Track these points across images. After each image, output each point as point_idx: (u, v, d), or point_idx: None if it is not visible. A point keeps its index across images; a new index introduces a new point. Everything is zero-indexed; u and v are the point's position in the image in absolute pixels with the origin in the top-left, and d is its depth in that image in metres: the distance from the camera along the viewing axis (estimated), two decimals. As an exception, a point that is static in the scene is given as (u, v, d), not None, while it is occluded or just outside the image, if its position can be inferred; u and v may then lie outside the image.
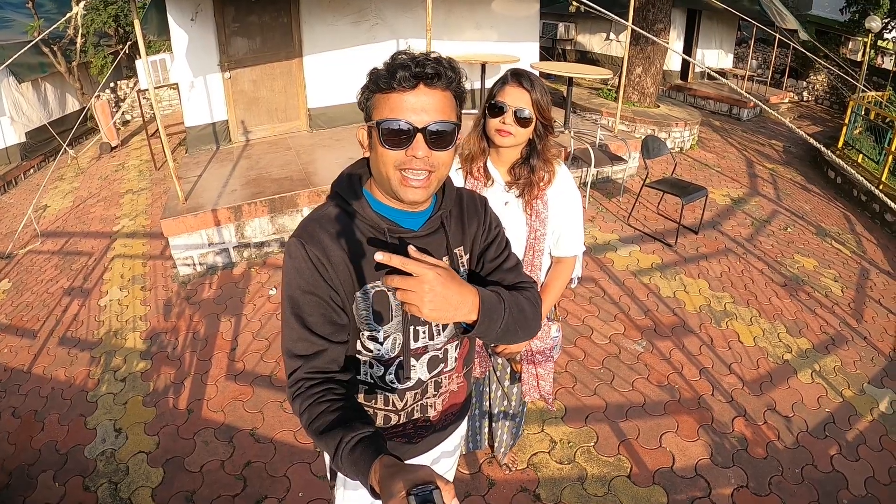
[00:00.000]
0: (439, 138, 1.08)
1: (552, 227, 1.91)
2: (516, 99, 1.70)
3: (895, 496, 2.69)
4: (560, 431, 2.95)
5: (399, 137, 1.07)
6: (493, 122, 1.74)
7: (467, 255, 1.30)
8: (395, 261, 0.94)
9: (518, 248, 1.89)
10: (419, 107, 1.06)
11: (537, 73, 7.89)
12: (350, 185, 1.21)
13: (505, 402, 2.38)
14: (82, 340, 3.91)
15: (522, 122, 1.71)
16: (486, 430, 2.49)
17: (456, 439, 1.57)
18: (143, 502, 2.61)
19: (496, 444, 2.53)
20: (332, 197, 1.22)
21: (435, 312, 0.97)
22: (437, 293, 0.96)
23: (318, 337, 1.12)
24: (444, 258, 1.24)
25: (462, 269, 1.29)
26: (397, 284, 0.95)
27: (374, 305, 1.18)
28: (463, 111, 1.17)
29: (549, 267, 2.05)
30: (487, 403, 2.38)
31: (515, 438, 2.57)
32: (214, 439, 2.94)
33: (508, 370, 2.26)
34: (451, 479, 1.63)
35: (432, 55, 1.08)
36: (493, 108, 1.74)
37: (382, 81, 1.07)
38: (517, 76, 1.72)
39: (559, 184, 1.88)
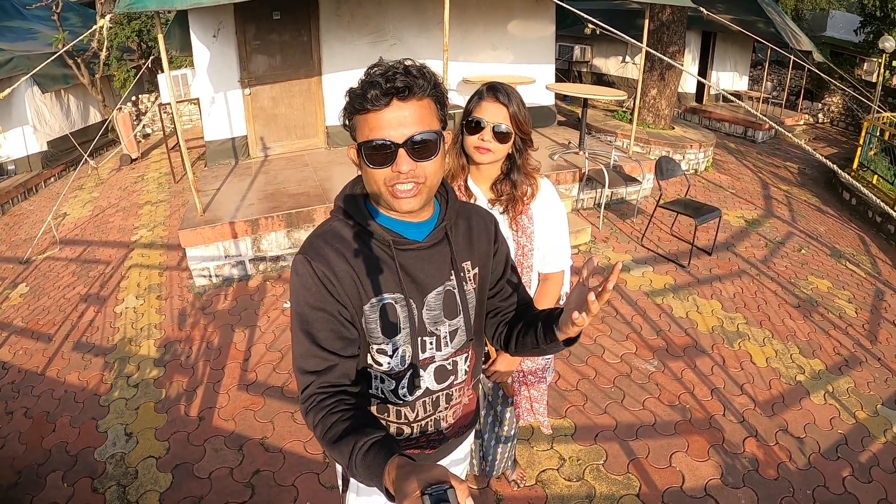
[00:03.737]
0: (422, 149, 1.08)
1: (538, 243, 1.87)
2: (493, 114, 1.66)
3: (909, 520, 2.65)
4: (569, 449, 2.93)
5: (382, 155, 1.07)
6: (472, 139, 1.69)
7: (475, 271, 1.29)
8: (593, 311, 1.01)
9: None
10: (396, 122, 1.05)
11: (552, 94, 7.99)
12: (353, 198, 1.22)
13: (497, 427, 2.34)
14: (97, 346, 3.97)
15: (501, 137, 1.67)
16: (479, 452, 2.48)
17: (466, 448, 1.58)
18: (150, 506, 2.63)
19: (488, 468, 2.50)
20: (336, 211, 1.23)
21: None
22: None
23: (329, 352, 1.12)
24: (451, 272, 1.24)
25: (469, 283, 1.27)
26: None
27: (382, 318, 1.18)
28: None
29: (537, 285, 2.00)
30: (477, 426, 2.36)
31: (510, 460, 2.56)
32: (224, 447, 2.96)
33: (500, 393, 2.23)
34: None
35: (402, 66, 1.06)
36: (471, 125, 1.69)
37: (357, 102, 1.07)
38: (493, 90, 1.68)
39: (543, 197, 1.84)
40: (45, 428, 3.21)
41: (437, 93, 1.11)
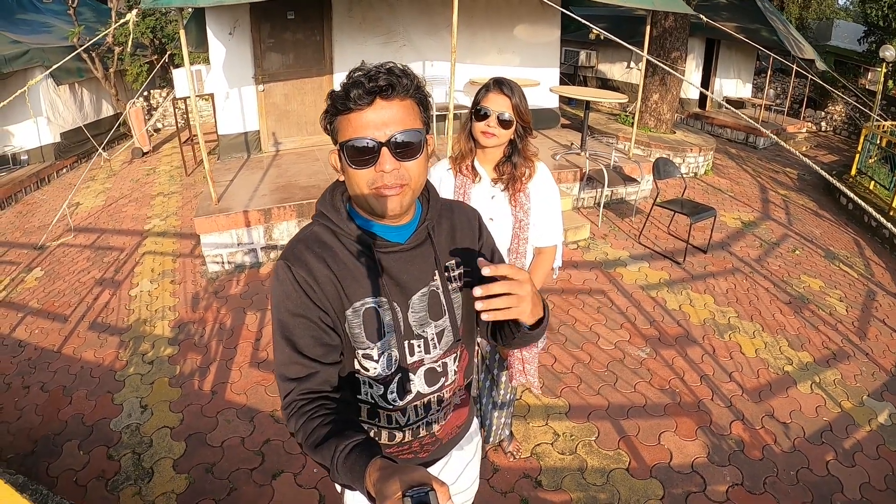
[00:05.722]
0: (406, 148, 1.06)
1: (534, 219, 2.11)
2: (498, 104, 1.90)
3: (890, 502, 2.77)
4: (563, 426, 3.08)
5: (365, 156, 1.05)
6: (479, 126, 1.94)
7: (460, 270, 1.26)
8: (501, 270, 0.96)
9: (505, 237, 2.10)
10: (380, 121, 1.03)
11: (556, 97, 8.15)
12: (333, 202, 1.19)
13: (494, 391, 2.51)
14: (112, 326, 4.13)
15: (504, 124, 1.91)
16: (477, 417, 2.63)
17: (470, 472, 1.54)
18: (164, 472, 2.79)
19: (486, 434, 2.65)
20: (317, 216, 1.20)
21: (530, 310, 1.01)
22: (534, 294, 1.02)
23: (310, 360, 1.10)
24: (434, 272, 1.22)
25: (455, 282, 1.25)
26: (512, 289, 0.96)
27: (366, 322, 1.16)
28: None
29: (533, 257, 2.23)
30: (476, 391, 2.52)
31: (508, 427, 2.72)
32: (236, 418, 3.12)
33: (497, 356, 2.41)
34: (475, 485, 1.62)
35: (385, 67, 1.05)
36: (478, 113, 1.93)
37: (339, 103, 1.05)
38: (499, 84, 1.92)
39: (539, 179, 2.09)
40: (61, 401, 3.37)
41: (420, 94, 1.10)
